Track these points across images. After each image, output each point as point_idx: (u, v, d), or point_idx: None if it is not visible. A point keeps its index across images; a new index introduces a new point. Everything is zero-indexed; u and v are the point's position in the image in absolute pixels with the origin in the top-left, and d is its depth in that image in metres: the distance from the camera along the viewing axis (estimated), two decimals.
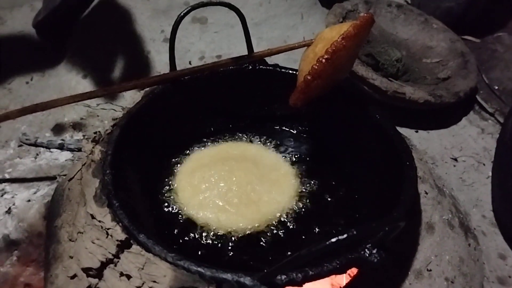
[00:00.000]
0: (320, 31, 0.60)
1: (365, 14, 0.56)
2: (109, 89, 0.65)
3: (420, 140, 0.92)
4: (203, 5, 0.65)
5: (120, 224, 0.48)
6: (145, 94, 0.66)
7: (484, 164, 0.88)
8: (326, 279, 0.45)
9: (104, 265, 0.47)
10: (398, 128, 0.90)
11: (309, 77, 0.56)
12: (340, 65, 0.57)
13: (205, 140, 0.73)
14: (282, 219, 0.62)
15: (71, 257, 0.51)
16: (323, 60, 0.54)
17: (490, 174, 0.83)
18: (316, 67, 0.55)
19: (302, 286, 0.43)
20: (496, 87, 1.02)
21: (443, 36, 1.05)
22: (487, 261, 0.71)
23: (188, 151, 0.70)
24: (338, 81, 0.64)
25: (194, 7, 0.64)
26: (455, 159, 0.89)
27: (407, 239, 0.57)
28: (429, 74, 1.00)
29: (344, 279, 0.54)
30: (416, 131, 0.94)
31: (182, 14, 0.63)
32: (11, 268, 0.68)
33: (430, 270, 0.55)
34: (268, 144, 0.73)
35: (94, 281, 0.48)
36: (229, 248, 0.57)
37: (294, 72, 0.64)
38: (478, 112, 1.00)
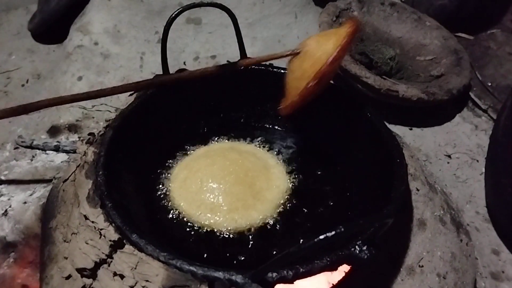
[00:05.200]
0: (306, 39, 0.60)
1: (352, 23, 0.57)
2: (98, 92, 0.65)
3: (414, 138, 0.93)
4: (195, 6, 0.66)
5: (113, 224, 0.49)
6: (138, 95, 0.66)
7: (477, 161, 0.89)
8: (319, 276, 0.45)
9: (97, 265, 0.48)
10: (392, 126, 0.91)
11: (297, 98, 0.57)
12: (327, 79, 0.59)
13: (198, 140, 0.73)
14: (285, 208, 0.63)
15: (66, 258, 0.51)
16: (311, 86, 0.56)
17: (484, 170, 0.84)
18: (305, 91, 0.56)
19: (293, 283, 0.44)
20: (490, 84, 1.02)
21: (436, 34, 1.06)
22: (480, 256, 0.72)
23: (182, 151, 0.71)
24: (324, 88, 0.64)
25: (185, 8, 0.64)
26: (449, 156, 0.90)
27: (399, 236, 0.57)
28: (423, 72, 1.01)
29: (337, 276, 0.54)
30: (410, 129, 0.95)
31: (173, 15, 0.63)
32: (8, 270, 0.69)
33: (422, 266, 0.56)
34: (261, 143, 0.73)
35: (88, 281, 0.48)
36: (224, 245, 0.58)
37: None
38: (472, 109, 1.01)
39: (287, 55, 0.63)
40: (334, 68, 0.57)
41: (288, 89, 0.60)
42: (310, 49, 0.59)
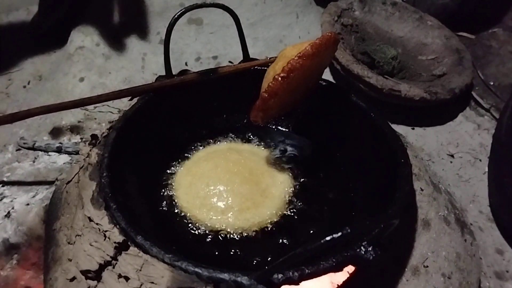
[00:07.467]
0: (283, 49, 0.60)
1: (328, 33, 0.56)
2: (89, 99, 0.65)
3: (417, 137, 0.93)
4: (197, 7, 0.66)
5: (118, 226, 0.49)
6: (141, 96, 0.66)
7: (480, 160, 0.89)
8: (324, 277, 0.45)
9: (102, 267, 0.48)
10: (395, 126, 0.91)
11: (265, 95, 0.56)
12: (299, 83, 0.57)
13: (202, 141, 0.73)
14: (290, 208, 0.63)
15: (70, 260, 0.51)
16: (279, 78, 0.54)
17: (487, 169, 0.84)
18: (272, 85, 0.55)
19: (298, 284, 0.44)
20: (492, 83, 1.02)
21: (438, 33, 1.06)
22: (484, 256, 0.72)
23: (185, 153, 0.70)
24: (301, 99, 0.64)
25: (188, 9, 0.64)
26: (452, 155, 0.89)
27: (404, 236, 0.57)
28: (425, 71, 1.01)
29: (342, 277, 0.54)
30: (413, 128, 0.95)
31: (176, 16, 0.63)
32: (11, 272, 0.68)
33: (427, 266, 0.56)
34: (264, 143, 0.73)
35: (93, 283, 0.48)
36: (230, 246, 0.57)
37: None
38: (474, 108, 1.00)
39: (266, 63, 0.62)
40: (306, 66, 0.55)
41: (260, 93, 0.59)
42: (285, 52, 0.58)
